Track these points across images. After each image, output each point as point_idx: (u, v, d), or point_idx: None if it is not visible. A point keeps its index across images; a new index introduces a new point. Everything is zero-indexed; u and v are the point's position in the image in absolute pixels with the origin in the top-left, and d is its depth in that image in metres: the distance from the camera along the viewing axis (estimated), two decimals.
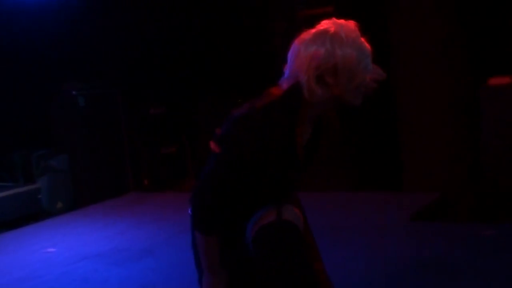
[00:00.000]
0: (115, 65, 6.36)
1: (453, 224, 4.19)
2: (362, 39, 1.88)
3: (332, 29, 1.86)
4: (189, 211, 2.00)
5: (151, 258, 3.82)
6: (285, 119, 1.86)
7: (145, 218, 4.93)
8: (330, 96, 1.85)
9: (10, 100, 5.81)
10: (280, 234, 1.92)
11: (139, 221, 4.88)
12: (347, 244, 3.66)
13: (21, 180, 5.65)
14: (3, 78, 5.75)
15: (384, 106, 5.27)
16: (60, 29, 5.86)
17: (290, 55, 1.90)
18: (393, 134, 5.10)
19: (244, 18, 5.87)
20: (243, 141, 1.84)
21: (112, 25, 6.31)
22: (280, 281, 1.86)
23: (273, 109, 1.86)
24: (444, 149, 4.77)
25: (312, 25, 5.88)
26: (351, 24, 1.89)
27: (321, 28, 1.89)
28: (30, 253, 4.28)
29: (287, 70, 1.92)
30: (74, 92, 5.83)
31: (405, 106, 4.92)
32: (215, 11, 5.96)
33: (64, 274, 3.71)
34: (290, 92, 1.88)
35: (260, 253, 1.91)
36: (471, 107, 4.68)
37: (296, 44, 1.90)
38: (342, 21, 1.90)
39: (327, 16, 5.94)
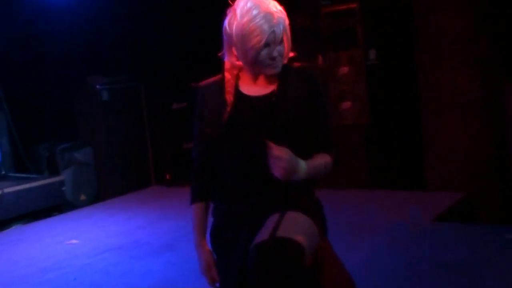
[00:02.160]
0: (139, 60, 6.40)
1: (476, 226, 4.14)
2: (258, 14, 1.92)
3: (235, 5, 1.98)
4: None
5: (172, 252, 3.85)
6: (214, 81, 2.11)
7: (166, 212, 4.96)
8: (243, 62, 2.01)
9: (36, 94, 5.90)
10: (272, 258, 1.71)
11: (160, 215, 4.91)
12: (368, 243, 3.64)
13: (46, 172, 5.73)
14: (29, 73, 5.83)
15: (407, 105, 5.22)
16: (84, 23, 5.92)
17: None
18: (417, 132, 5.05)
19: None
20: (195, 106, 2.13)
21: (137, 20, 6.34)
22: None
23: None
24: (469, 148, 4.70)
25: (336, 21, 5.81)
26: None
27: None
28: (54, 244, 4.34)
29: None
30: (98, 86, 5.88)
31: (429, 105, 4.86)
32: None
33: (86, 266, 3.76)
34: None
35: (254, 278, 1.76)
36: (497, 105, 4.60)
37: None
38: None
39: (351, 12, 5.89)
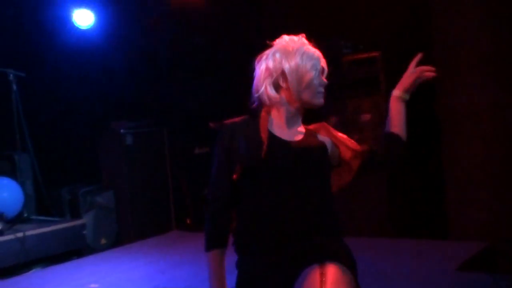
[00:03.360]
0: (162, 105, 6.49)
1: (503, 276, 4.04)
2: (308, 47, 2.10)
3: (279, 45, 2.11)
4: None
5: None
6: (249, 119, 2.14)
7: (187, 258, 4.93)
8: (289, 97, 2.09)
9: (61, 137, 5.99)
10: None
11: (180, 260, 4.88)
12: None
13: (68, 216, 5.76)
14: (54, 116, 5.94)
15: (429, 152, 5.19)
16: (109, 68, 6.04)
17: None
18: (439, 180, 5.01)
19: None
20: (218, 143, 2.14)
21: (161, 66, 6.47)
22: None
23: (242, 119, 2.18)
24: (492, 197, 4.64)
25: (358, 69, 5.87)
26: (297, 36, 2.13)
27: (273, 46, 2.14)
28: None
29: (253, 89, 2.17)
30: (122, 131, 5.95)
31: (451, 153, 4.84)
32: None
33: None
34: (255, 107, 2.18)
35: None
36: None
37: (255, 65, 2.17)
38: (290, 36, 2.14)
39: (373, 60, 5.93)
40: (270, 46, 2.14)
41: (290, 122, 2.12)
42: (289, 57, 2.06)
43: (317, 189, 2.03)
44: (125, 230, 5.94)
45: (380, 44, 5.44)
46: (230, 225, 2.08)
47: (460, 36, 4.65)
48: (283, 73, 2.06)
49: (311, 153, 2.07)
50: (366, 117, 5.41)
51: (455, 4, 4.68)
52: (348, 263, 1.90)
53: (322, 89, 2.11)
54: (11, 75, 5.41)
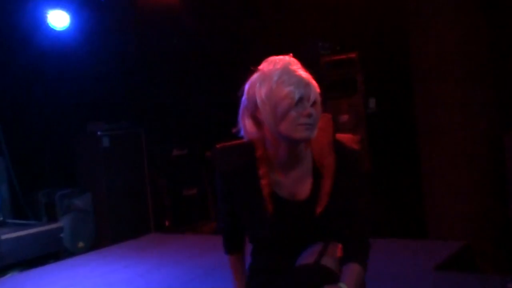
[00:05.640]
0: (140, 106, 6.45)
1: (479, 275, 4.09)
2: (288, 69, 1.77)
3: (260, 70, 1.82)
4: None
5: None
6: (242, 158, 1.87)
7: (166, 260, 4.90)
8: (268, 132, 1.79)
9: (37, 140, 5.92)
10: (314, 280, 1.77)
11: (159, 262, 4.85)
12: None
13: (44, 219, 5.70)
14: (30, 119, 5.87)
15: (407, 152, 5.24)
16: (85, 70, 5.99)
17: None
18: (417, 180, 5.05)
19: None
20: (216, 181, 1.94)
21: (138, 67, 6.43)
22: None
23: (234, 149, 1.91)
24: (469, 197, 4.69)
25: (336, 70, 5.92)
26: (280, 58, 1.82)
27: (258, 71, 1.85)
28: None
29: None
30: (99, 133, 5.91)
31: (429, 153, 4.88)
32: (241, 58, 6.05)
33: None
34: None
35: None
36: (497, 154, 4.62)
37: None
38: (275, 57, 1.83)
39: (351, 61, 5.98)
40: (255, 71, 1.85)
41: (288, 165, 1.84)
42: (263, 83, 1.75)
43: (329, 235, 1.94)
44: (103, 233, 5.90)
45: (357, 45, 5.48)
46: (242, 242, 2.12)
47: (437, 39, 4.69)
48: (256, 103, 1.77)
49: (317, 218, 1.85)
50: (344, 118, 5.44)
51: (431, 6, 4.71)
52: None
53: (305, 120, 1.75)
54: None
